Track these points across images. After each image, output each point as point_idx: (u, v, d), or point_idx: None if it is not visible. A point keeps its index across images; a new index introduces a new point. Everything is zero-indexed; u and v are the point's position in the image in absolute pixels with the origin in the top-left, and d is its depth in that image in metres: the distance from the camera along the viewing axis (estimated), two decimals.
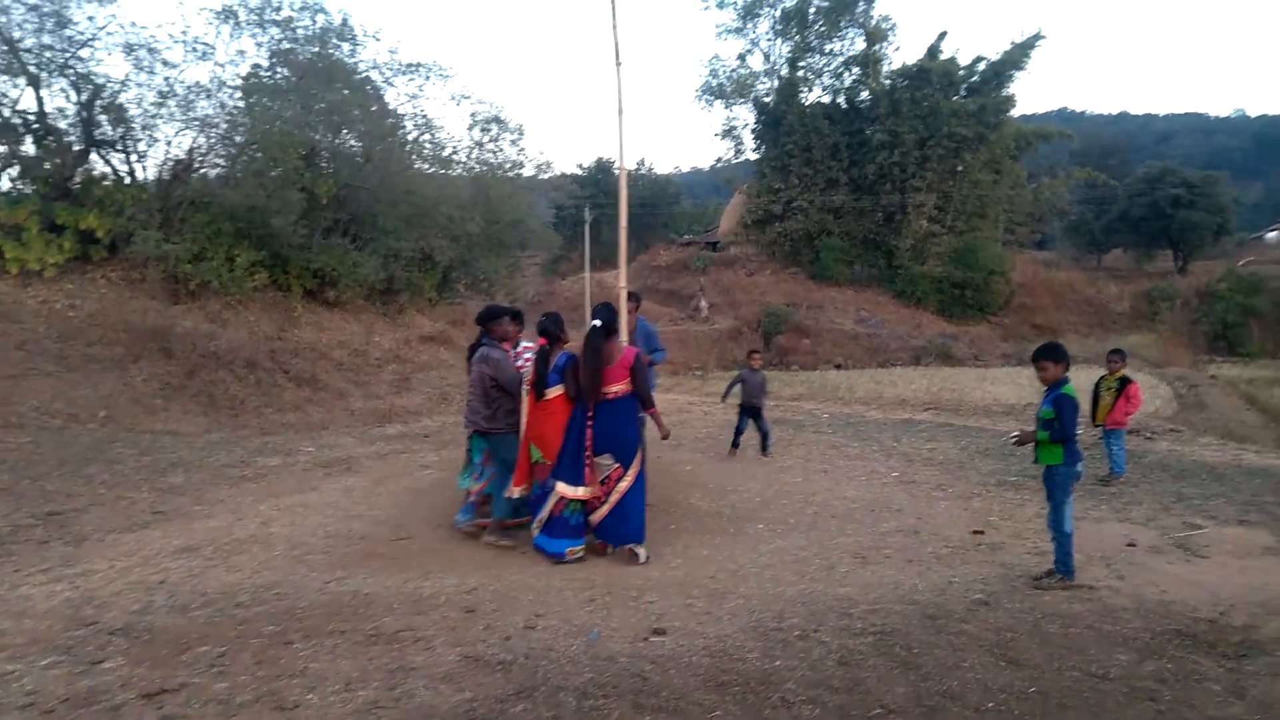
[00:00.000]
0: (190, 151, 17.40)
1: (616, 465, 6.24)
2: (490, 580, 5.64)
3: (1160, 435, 11.92)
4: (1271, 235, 70.63)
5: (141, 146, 17.33)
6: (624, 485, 6.23)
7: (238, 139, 18.05)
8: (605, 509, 6.22)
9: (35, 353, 12.29)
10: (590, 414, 6.21)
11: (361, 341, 18.49)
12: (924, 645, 4.39)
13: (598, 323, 6.30)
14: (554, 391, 6.31)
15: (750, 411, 10.38)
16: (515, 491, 6.41)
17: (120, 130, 16.78)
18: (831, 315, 36.26)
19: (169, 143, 17.46)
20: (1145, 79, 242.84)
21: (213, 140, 17.88)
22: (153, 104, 16.79)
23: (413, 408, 15.41)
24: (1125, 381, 9.27)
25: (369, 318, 20.21)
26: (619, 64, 8.72)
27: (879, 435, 12.16)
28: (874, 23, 46.67)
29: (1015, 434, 5.77)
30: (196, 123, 17.52)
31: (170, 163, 17.27)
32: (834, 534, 6.88)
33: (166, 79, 16.82)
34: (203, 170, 17.90)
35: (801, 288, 40.49)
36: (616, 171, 8.80)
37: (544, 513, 6.27)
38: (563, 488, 6.16)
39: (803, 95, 45.96)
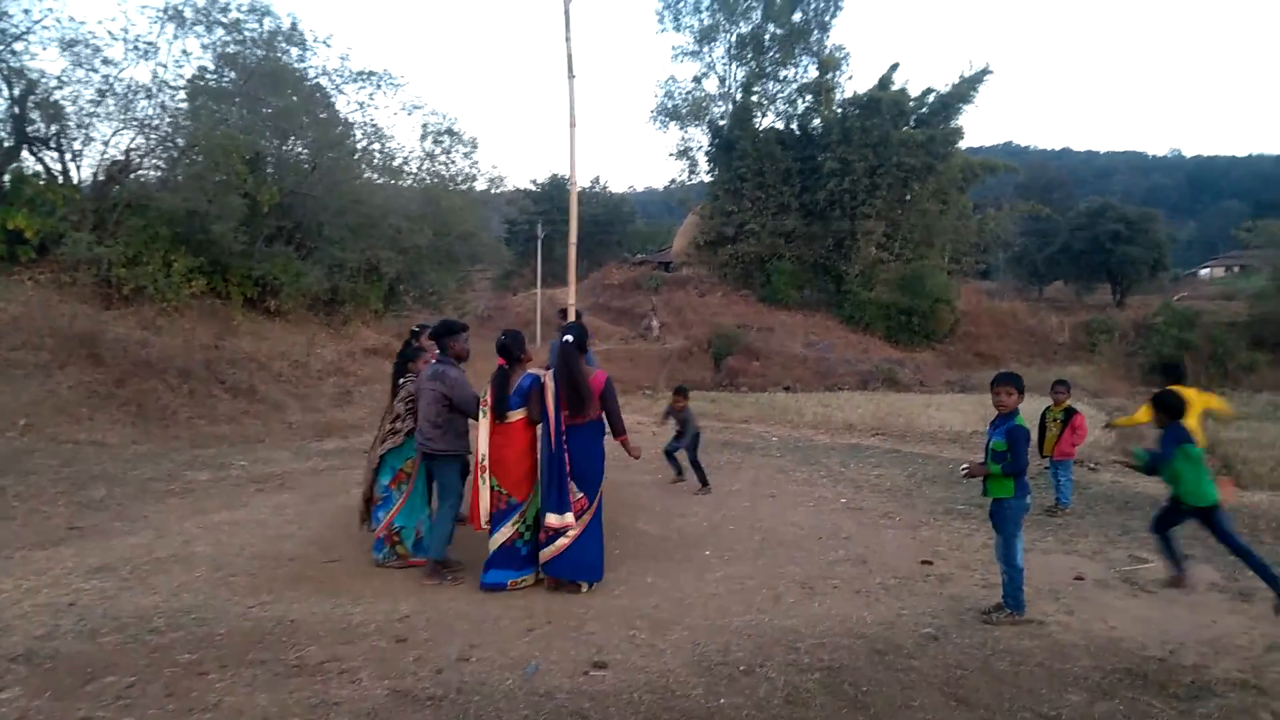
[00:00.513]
0: (128, 152, 16.84)
1: (581, 495, 5.92)
2: (424, 607, 5.39)
3: (1104, 466, 12.04)
4: (1205, 272, 73.13)
5: (76, 145, 16.78)
6: (586, 518, 5.90)
7: (179, 141, 17.55)
8: (564, 542, 5.82)
9: None
10: (565, 437, 5.85)
11: (302, 353, 18.00)
12: (873, 683, 4.25)
13: (569, 338, 6.00)
14: (515, 415, 5.94)
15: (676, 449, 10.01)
16: (481, 524, 5.89)
17: (55, 128, 16.20)
18: (781, 338, 36.42)
19: (106, 143, 16.92)
20: (1087, 117, 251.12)
21: (152, 142, 17.34)
22: (90, 102, 16.26)
23: (353, 422, 14.99)
24: (1071, 412, 9.31)
25: (311, 328, 19.72)
26: (572, 76, 8.59)
27: (827, 460, 12.10)
28: (827, 51, 47.44)
29: (965, 466, 5.64)
30: (135, 123, 17.00)
31: (106, 163, 16.69)
32: (781, 562, 6.74)
33: (105, 77, 16.29)
34: (141, 172, 17.34)
35: (752, 310, 40.68)
36: (569, 186, 8.64)
37: (494, 543, 5.92)
38: (552, 519, 5.79)
39: (757, 120, 46.43)
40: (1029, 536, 7.51)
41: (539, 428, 6.04)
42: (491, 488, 5.94)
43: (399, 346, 21.84)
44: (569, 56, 8.39)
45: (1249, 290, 45.77)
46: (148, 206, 16.19)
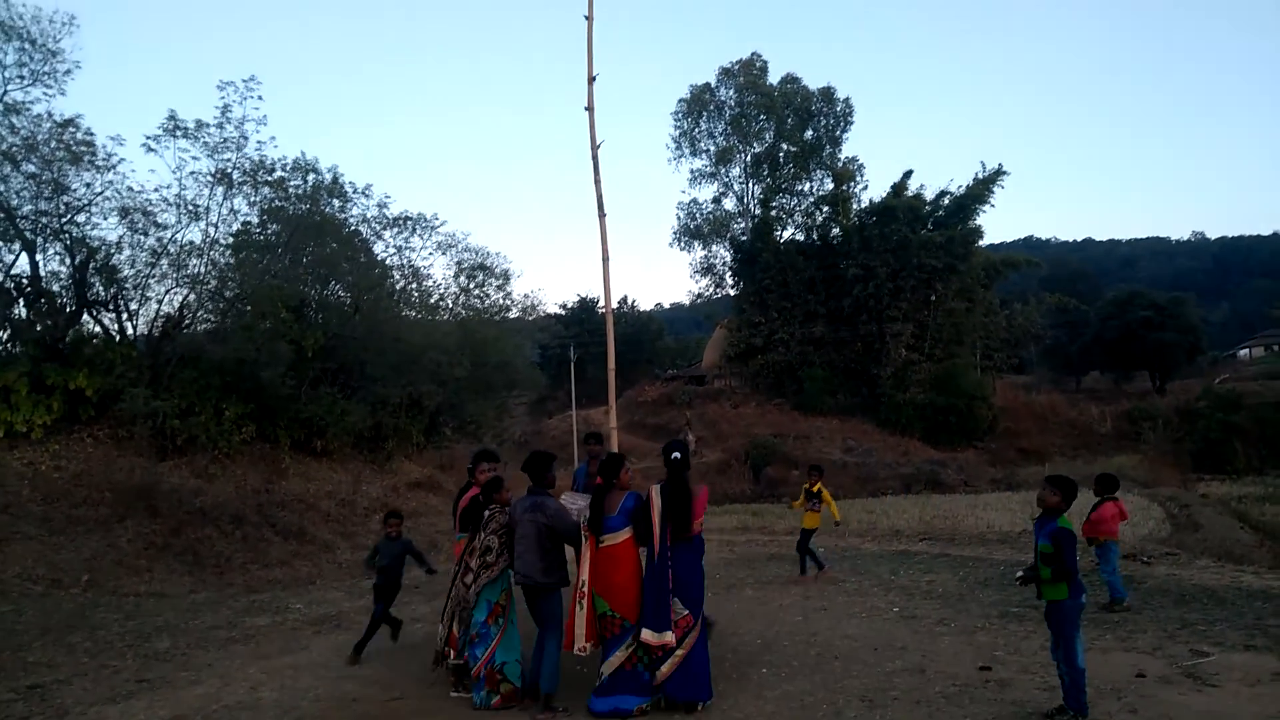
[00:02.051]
0: (181, 308, 17.69)
1: (686, 613, 5.89)
2: None
3: (1158, 559, 11.84)
4: (1244, 352, 72.22)
5: (133, 305, 17.63)
6: (691, 638, 5.88)
7: (227, 294, 18.43)
8: (673, 662, 5.78)
9: (19, 516, 12.11)
10: (669, 554, 5.84)
11: (349, 491, 18.33)
12: None
13: (677, 455, 6.09)
14: (618, 537, 5.94)
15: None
16: (587, 648, 5.87)
17: (112, 290, 17.11)
18: (818, 445, 36.29)
19: (160, 300, 17.77)
20: (1106, 206, 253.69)
21: (203, 297, 18.20)
22: (145, 264, 17.20)
23: None
24: (1103, 501, 9.29)
25: (356, 466, 20.10)
26: (603, 214, 9.08)
27: (876, 568, 12.02)
28: (841, 164, 48.96)
29: (1019, 574, 5.72)
30: (187, 280, 17.89)
31: (161, 319, 17.51)
32: (839, 676, 6.73)
33: (159, 239, 17.27)
34: (192, 326, 18.14)
35: (787, 418, 40.70)
36: (601, 311, 9.00)
37: (609, 667, 5.84)
38: (649, 635, 5.73)
39: (777, 233, 47.61)
40: (1087, 635, 7.43)
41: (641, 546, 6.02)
42: (604, 613, 5.90)
43: (441, 479, 22.04)
44: (599, 197, 8.91)
45: None
46: (200, 358, 16.87)
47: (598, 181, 9.01)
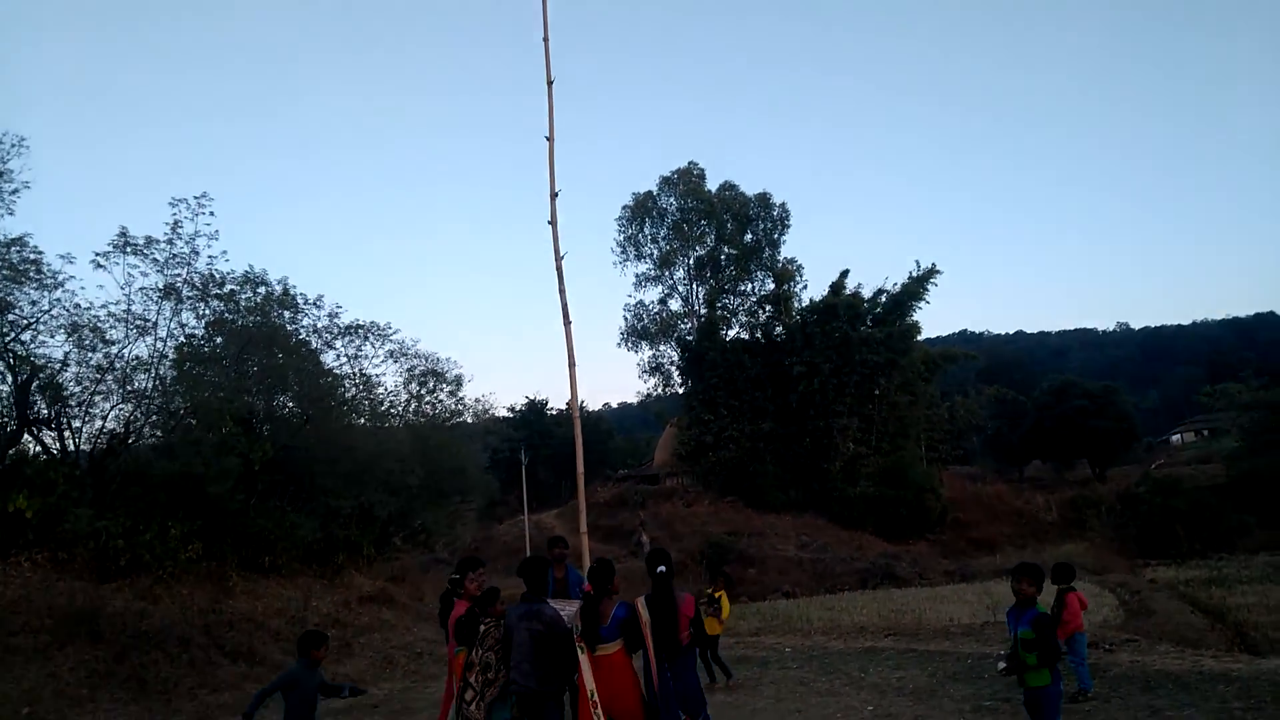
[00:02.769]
0: (126, 424, 17.28)
1: None
2: None
3: (1119, 646, 11.99)
4: (1176, 438, 74.61)
5: (76, 422, 17.19)
6: None
7: (174, 408, 18.09)
8: None
9: None
10: (666, 664, 5.92)
11: (299, 608, 17.68)
12: None
13: (662, 568, 6.19)
14: (611, 647, 5.94)
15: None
16: None
17: (56, 408, 16.67)
18: (773, 542, 36.22)
19: (104, 417, 17.36)
20: (1035, 299, 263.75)
21: (149, 411, 17.84)
22: (91, 380, 16.84)
23: (356, 675, 14.59)
24: (1065, 592, 9.46)
25: (305, 581, 19.45)
26: (568, 322, 9.27)
27: (845, 667, 11.95)
28: (780, 265, 50.43)
29: (1001, 664, 5.79)
30: (133, 395, 17.55)
31: (105, 436, 17.07)
32: None
33: (106, 354, 16.99)
34: (137, 442, 17.71)
35: (741, 516, 40.63)
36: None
37: None
38: None
39: (723, 332, 48.50)
40: None
41: (636, 655, 6.05)
42: None
43: (393, 591, 21.50)
44: (564, 306, 9.12)
45: (1223, 452, 46.73)
46: (145, 475, 16.43)
47: (562, 291, 9.23)
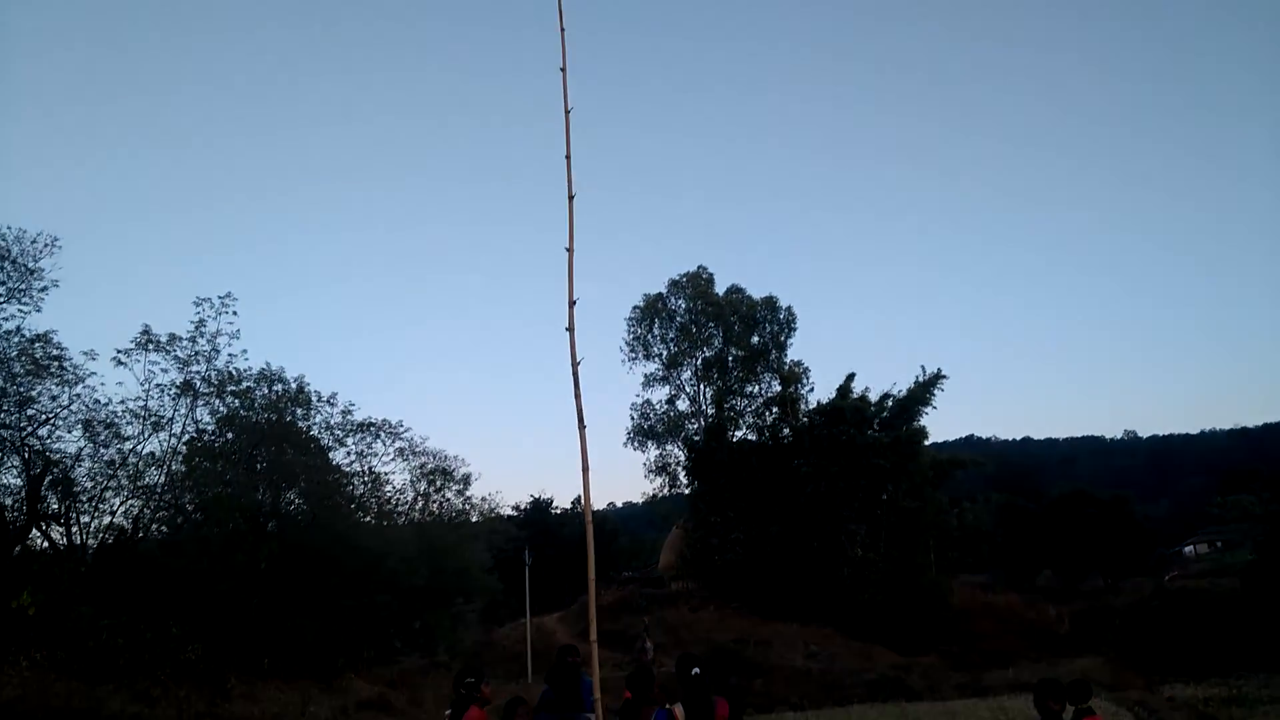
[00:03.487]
0: (135, 520, 17.32)
1: None
2: None
3: None
4: (1189, 549, 73.51)
5: (85, 518, 17.23)
6: None
7: (183, 504, 18.14)
8: None
9: None
10: None
11: (296, 713, 17.33)
12: None
13: (696, 670, 6.38)
14: None
15: None
16: None
17: (66, 504, 16.75)
18: (781, 650, 35.35)
19: (113, 513, 17.44)
20: (1043, 405, 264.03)
21: (157, 508, 17.89)
22: (103, 476, 16.96)
23: None
24: (1085, 713, 9.26)
25: (304, 684, 19.09)
26: (583, 426, 9.37)
27: None
28: (787, 368, 50.74)
29: None
30: (143, 491, 17.64)
31: (114, 532, 17.09)
32: None
33: (120, 450, 17.16)
34: (145, 537, 17.69)
35: (747, 622, 39.75)
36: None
37: None
38: None
39: (730, 433, 48.47)
40: None
41: None
42: None
43: (392, 697, 21.15)
44: (579, 410, 9.22)
45: (1238, 565, 45.99)
46: (150, 572, 16.36)
47: (578, 396, 9.35)
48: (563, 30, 10.80)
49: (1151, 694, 26.51)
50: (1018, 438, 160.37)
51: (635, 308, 54.68)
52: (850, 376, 47.57)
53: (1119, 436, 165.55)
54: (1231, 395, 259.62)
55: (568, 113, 10.50)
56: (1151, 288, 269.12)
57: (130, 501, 17.51)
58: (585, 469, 9.21)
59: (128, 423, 17.23)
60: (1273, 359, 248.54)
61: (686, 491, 51.31)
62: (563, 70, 10.61)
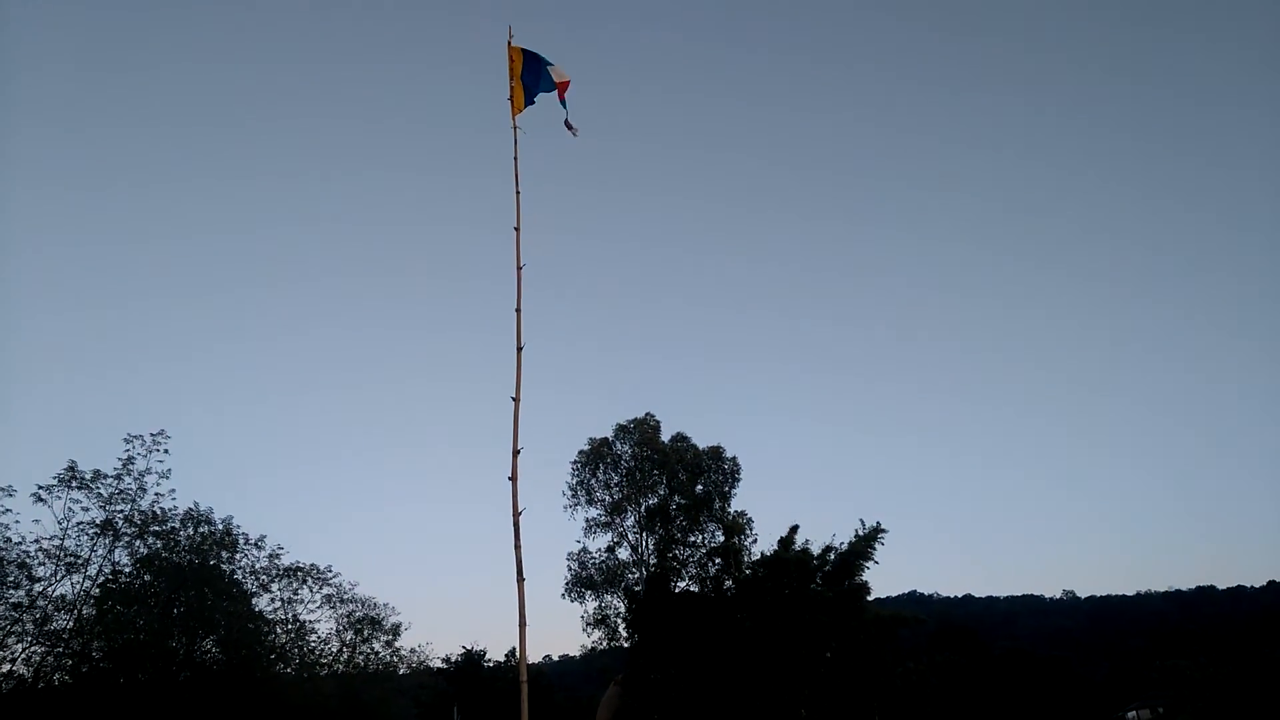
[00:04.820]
0: (37, 669, 16.18)
1: None
2: None
3: None
4: (1131, 714, 72.67)
5: None
6: None
7: (89, 651, 17.06)
8: None
9: None
10: None
11: None
12: None
13: None
14: None
15: None
16: None
17: None
18: None
19: (14, 660, 16.27)
20: (982, 563, 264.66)
21: (62, 656, 16.79)
22: (7, 620, 15.95)
23: None
24: None
25: None
26: (521, 579, 9.23)
27: None
28: (730, 518, 50.44)
29: None
30: (49, 636, 16.59)
31: (13, 680, 15.92)
32: None
33: (29, 592, 16.20)
34: (46, 686, 16.49)
35: None
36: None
37: None
38: None
39: (673, 583, 47.55)
40: None
41: None
42: None
43: None
44: (519, 563, 9.11)
45: None
46: None
47: (518, 548, 9.27)
48: (518, 192, 11.31)
49: None
50: (959, 595, 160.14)
51: (581, 451, 54.28)
52: (794, 529, 47.39)
53: (1058, 596, 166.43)
54: (1165, 558, 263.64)
55: (520, 269, 10.85)
56: (1086, 451, 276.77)
57: (33, 648, 16.37)
58: (522, 624, 9.01)
59: (40, 563, 16.34)
60: (1201, 522, 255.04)
61: (625, 645, 49.73)
62: (516, 230, 11.03)
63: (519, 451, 9.82)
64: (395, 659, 25.33)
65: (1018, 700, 52.81)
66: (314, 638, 22.82)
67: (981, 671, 56.73)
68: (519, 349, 10.33)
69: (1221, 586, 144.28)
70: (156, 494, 18.47)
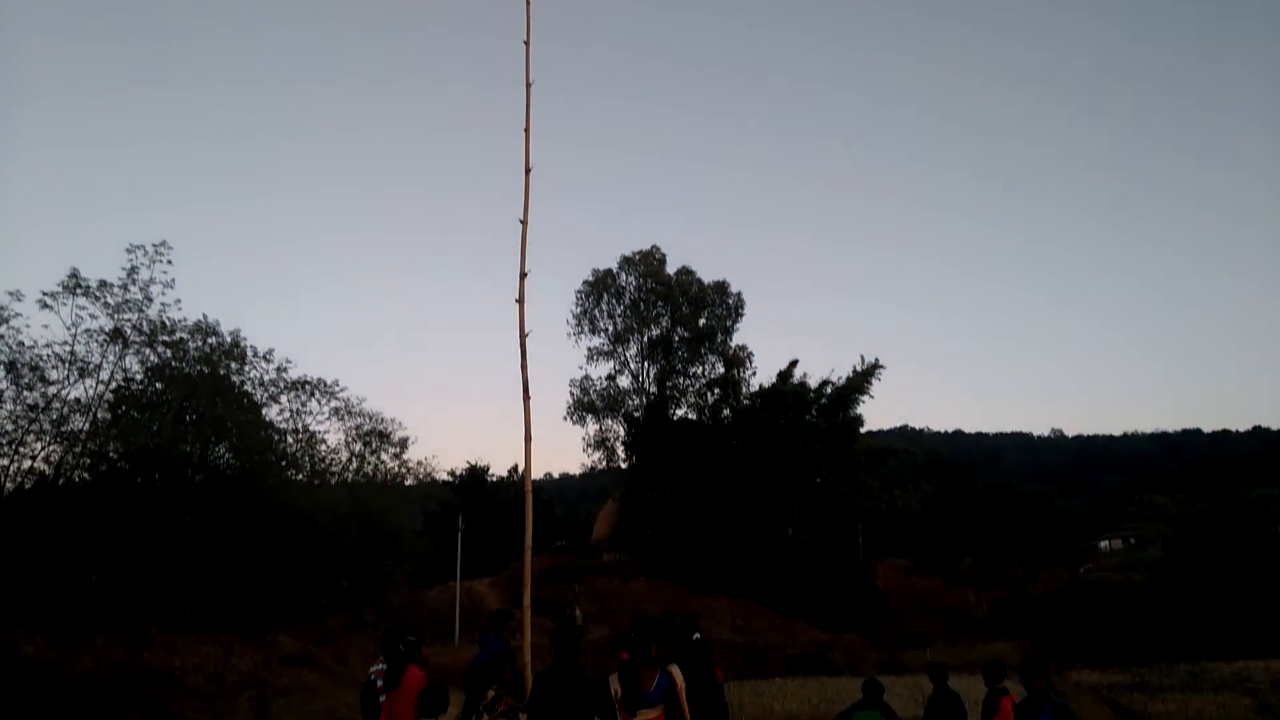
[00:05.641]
0: (57, 466, 16.85)
1: None
2: None
3: None
4: (1104, 544, 76.31)
5: (3, 461, 16.70)
6: None
7: (107, 452, 17.72)
8: None
9: None
10: None
11: (218, 664, 17.14)
12: None
13: (697, 635, 6.79)
14: (651, 713, 6.03)
15: None
16: None
17: None
18: (708, 623, 35.90)
19: (34, 457, 16.92)
20: (974, 400, 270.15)
21: (80, 455, 17.44)
22: (24, 419, 16.46)
23: None
24: (1000, 694, 9.66)
25: (226, 637, 18.86)
26: (528, 398, 9.40)
27: None
28: (732, 351, 51.21)
29: None
30: (65, 437, 17.19)
31: (33, 476, 16.62)
32: None
33: (43, 394, 16.65)
34: (65, 485, 17.25)
35: (676, 595, 40.37)
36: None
37: None
38: None
39: (671, 412, 48.87)
40: None
41: None
42: None
43: (316, 653, 20.94)
44: (525, 382, 9.26)
45: (1148, 561, 47.94)
46: (71, 518, 15.97)
47: (524, 368, 9.38)
48: (528, 2, 10.76)
49: (1059, 678, 27.59)
50: (949, 430, 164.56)
51: (585, 281, 54.53)
52: (793, 363, 48.28)
53: (1046, 434, 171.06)
54: (1153, 400, 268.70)
55: (529, 86, 10.47)
56: (1083, 293, 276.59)
57: (52, 447, 17.02)
58: (528, 439, 9.24)
59: (53, 367, 16.72)
60: (1191, 366, 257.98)
61: (624, 467, 51.62)
62: (526, 43, 10.56)
63: (526, 275, 9.78)
64: (403, 470, 26.29)
65: (997, 529, 55.35)
66: (323, 448, 23.62)
67: (965, 501, 59.18)
68: (527, 171, 10.12)
69: (1207, 430, 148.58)
70: (163, 304, 18.64)
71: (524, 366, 9.26)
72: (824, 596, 40.01)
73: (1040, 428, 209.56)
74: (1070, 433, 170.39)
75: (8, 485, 17.01)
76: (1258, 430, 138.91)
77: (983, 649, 30.08)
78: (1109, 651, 35.90)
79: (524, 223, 9.75)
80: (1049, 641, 38.11)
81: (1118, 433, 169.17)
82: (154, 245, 18.01)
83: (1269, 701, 19.22)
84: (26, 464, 17.04)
